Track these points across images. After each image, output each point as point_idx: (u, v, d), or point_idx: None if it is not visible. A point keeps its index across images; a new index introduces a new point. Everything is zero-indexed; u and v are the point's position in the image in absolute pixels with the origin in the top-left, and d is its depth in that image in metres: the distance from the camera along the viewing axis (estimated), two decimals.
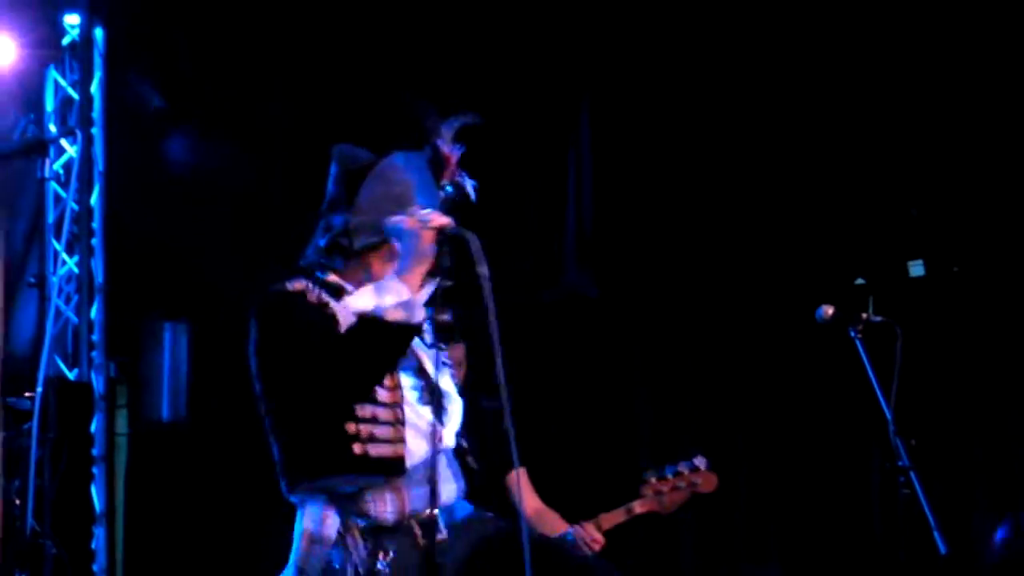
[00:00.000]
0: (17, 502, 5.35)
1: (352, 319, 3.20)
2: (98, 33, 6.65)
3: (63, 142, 6.64)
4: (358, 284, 3.34)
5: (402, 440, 3.27)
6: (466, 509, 3.45)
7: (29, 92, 6.64)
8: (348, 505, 3.25)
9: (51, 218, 6.67)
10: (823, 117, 6.14)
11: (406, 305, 3.16)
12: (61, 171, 6.60)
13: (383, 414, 3.25)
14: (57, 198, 6.70)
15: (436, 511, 3.30)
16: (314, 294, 3.29)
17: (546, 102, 6.43)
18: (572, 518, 4.48)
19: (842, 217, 6.15)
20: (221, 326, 6.29)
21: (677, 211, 6.38)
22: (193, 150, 6.53)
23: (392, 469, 3.25)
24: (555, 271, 6.52)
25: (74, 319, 6.61)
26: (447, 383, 3.43)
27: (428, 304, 3.28)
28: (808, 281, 6.05)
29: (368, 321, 3.17)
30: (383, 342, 3.17)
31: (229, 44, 6.48)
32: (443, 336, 3.42)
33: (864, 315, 4.14)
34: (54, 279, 6.45)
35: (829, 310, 4.18)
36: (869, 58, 6.04)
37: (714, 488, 4.41)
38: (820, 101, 6.13)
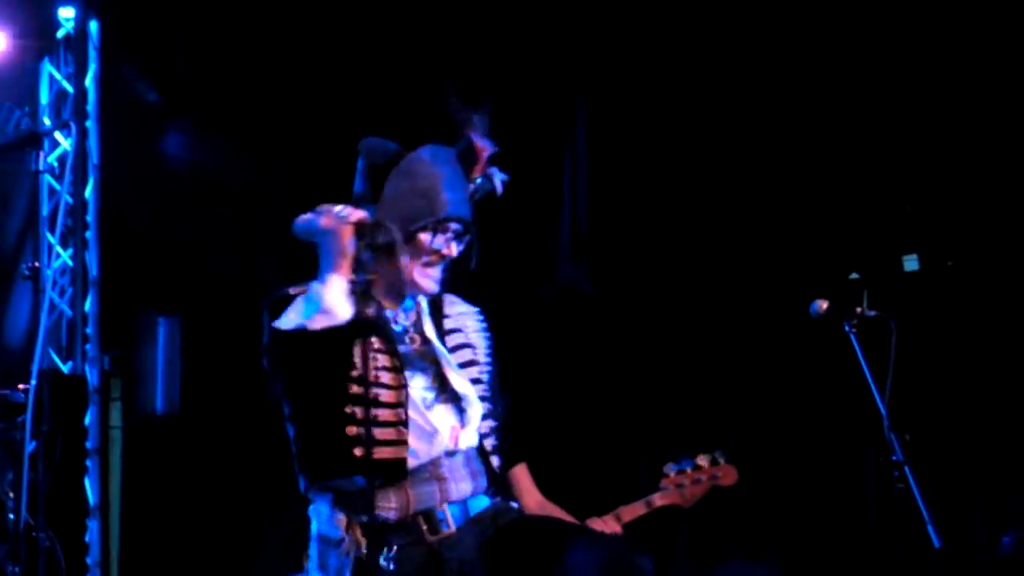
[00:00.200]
0: (10, 495, 5.34)
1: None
2: (93, 26, 6.64)
3: (57, 135, 6.63)
4: (389, 282, 3.32)
5: (404, 442, 3.27)
6: (483, 504, 3.44)
7: (23, 85, 6.63)
8: (353, 504, 3.26)
9: (45, 211, 6.66)
10: (817, 112, 6.14)
11: (325, 312, 3.13)
12: (55, 164, 6.61)
13: (385, 415, 3.25)
14: (51, 191, 6.69)
15: (445, 506, 3.31)
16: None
17: (541, 99, 6.42)
18: (569, 513, 4.46)
19: (836, 211, 6.15)
20: (215, 320, 6.30)
21: (672, 207, 6.38)
22: (188, 143, 6.52)
23: (394, 470, 3.26)
24: (550, 267, 6.52)
25: (68, 312, 6.60)
26: (464, 385, 3.42)
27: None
28: (802, 276, 6.04)
29: (296, 336, 3.15)
30: (318, 352, 3.16)
31: (224, 37, 6.47)
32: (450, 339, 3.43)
33: (859, 310, 4.12)
34: (48, 272, 6.45)
35: (823, 304, 4.16)
36: (863, 54, 6.04)
37: (735, 481, 4.34)
38: (814, 96, 6.13)
